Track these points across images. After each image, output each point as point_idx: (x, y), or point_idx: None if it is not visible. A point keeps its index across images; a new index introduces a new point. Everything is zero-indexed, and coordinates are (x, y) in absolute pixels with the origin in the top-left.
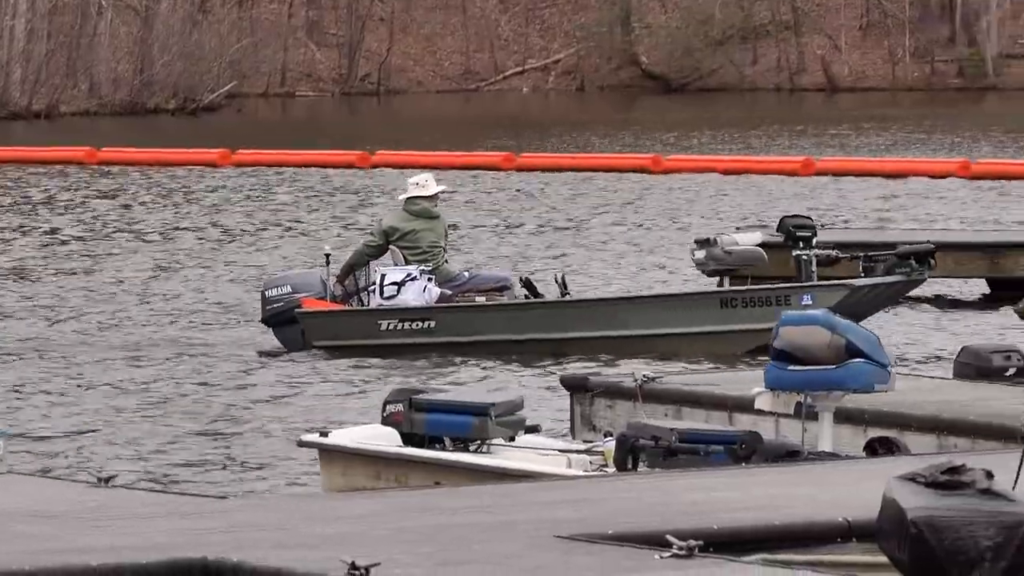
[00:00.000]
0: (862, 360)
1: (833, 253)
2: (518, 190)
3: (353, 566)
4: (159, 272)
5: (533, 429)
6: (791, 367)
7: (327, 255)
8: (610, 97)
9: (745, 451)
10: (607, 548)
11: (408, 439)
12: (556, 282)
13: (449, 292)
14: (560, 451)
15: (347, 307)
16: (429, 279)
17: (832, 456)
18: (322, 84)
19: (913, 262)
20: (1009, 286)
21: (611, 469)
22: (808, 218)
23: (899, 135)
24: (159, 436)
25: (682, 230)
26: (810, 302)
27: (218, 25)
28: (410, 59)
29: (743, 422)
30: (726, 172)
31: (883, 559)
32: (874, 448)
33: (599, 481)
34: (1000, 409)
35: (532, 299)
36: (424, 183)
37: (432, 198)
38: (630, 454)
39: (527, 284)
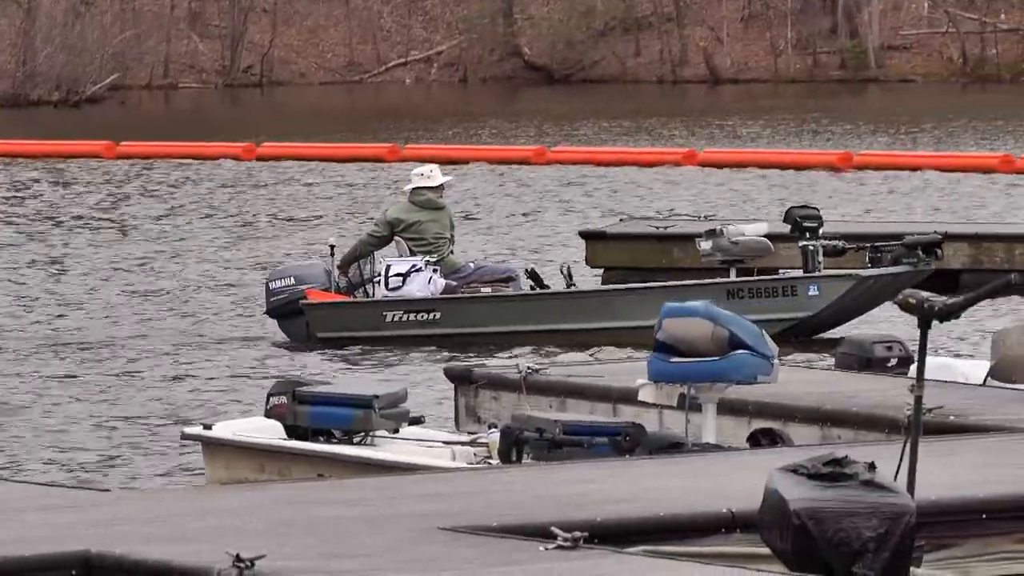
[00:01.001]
0: (745, 352)
1: (840, 244)
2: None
3: (238, 559)
4: (53, 264)
5: (417, 421)
6: (674, 359)
7: (331, 246)
8: (493, 88)
9: (629, 443)
10: (491, 540)
11: (292, 431)
12: (562, 273)
13: (454, 283)
14: (444, 443)
15: (352, 298)
16: (434, 270)
17: (715, 448)
18: (205, 76)
19: (920, 252)
20: None
21: (495, 461)
22: (815, 208)
23: (781, 127)
24: (53, 430)
25: (568, 222)
26: (817, 293)
27: (101, 16)
28: (293, 51)
29: (627, 414)
30: (610, 164)
31: (766, 550)
32: (757, 439)
33: (483, 473)
34: (882, 400)
35: (538, 290)
36: (429, 174)
37: (437, 189)
38: (514, 446)
39: (532, 275)
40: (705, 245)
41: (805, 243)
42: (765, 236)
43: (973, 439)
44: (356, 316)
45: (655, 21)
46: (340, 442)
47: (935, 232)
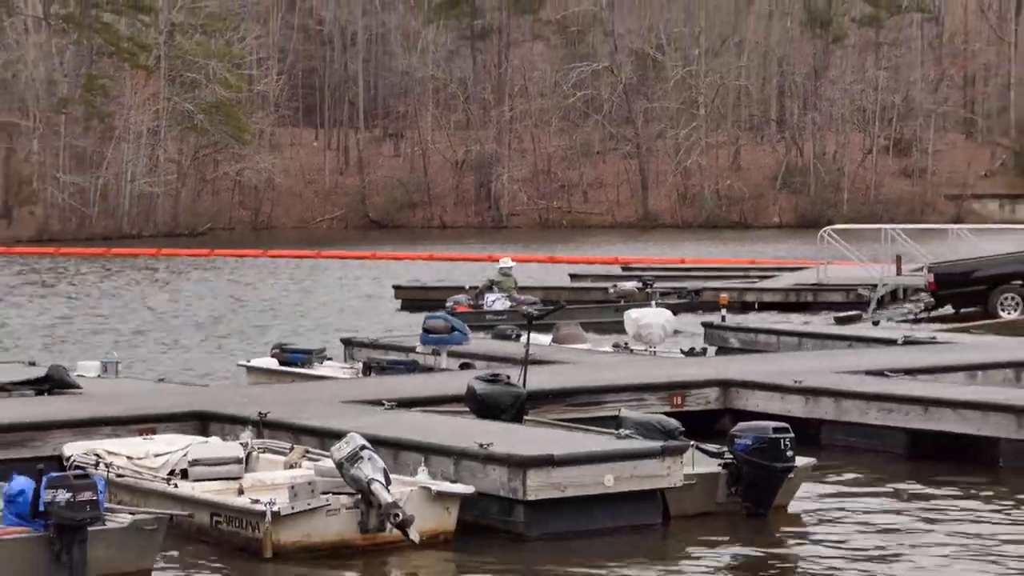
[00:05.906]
0: (458, 331)
1: (671, 290)
2: None
3: (259, 413)
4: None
5: (329, 359)
6: (431, 335)
7: (467, 290)
8: (348, 231)
9: (416, 368)
10: (360, 406)
11: (282, 363)
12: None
13: (514, 304)
14: (340, 367)
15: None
16: (507, 299)
17: (448, 370)
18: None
19: (694, 293)
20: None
21: (361, 376)
22: (650, 276)
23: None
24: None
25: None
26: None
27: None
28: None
29: (413, 357)
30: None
31: (467, 410)
32: (464, 367)
33: (357, 380)
34: (514, 350)
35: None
36: (506, 261)
37: (510, 268)
38: (369, 369)
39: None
40: (612, 290)
41: (649, 290)
42: (635, 288)
43: (552, 364)
44: (477, 318)
45: None
46: (300, 367)
47: (702, 286)
